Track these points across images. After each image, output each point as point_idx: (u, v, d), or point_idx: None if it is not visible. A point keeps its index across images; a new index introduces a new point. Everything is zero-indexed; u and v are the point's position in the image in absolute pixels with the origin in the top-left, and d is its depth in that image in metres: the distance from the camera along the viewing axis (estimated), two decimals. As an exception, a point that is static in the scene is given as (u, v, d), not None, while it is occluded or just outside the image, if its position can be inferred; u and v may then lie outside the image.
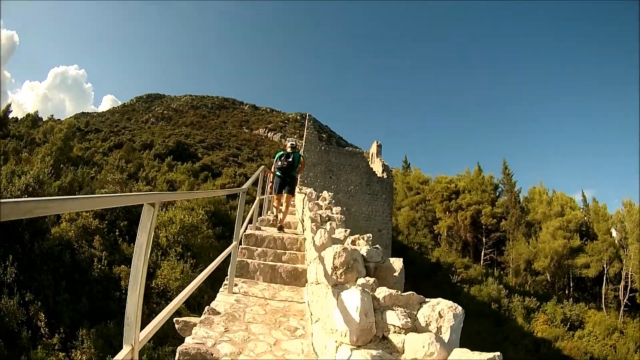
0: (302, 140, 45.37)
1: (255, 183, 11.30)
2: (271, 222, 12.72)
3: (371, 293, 3.52)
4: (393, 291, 3.51)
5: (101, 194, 28.31)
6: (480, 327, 36.32)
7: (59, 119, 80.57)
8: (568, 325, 42.17)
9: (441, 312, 3.25)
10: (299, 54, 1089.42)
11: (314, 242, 6.17)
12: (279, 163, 12.41)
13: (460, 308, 3.30)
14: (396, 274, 4.64)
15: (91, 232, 24.56)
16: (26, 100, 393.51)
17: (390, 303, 3.45)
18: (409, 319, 3.25)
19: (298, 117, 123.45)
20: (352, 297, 3.38)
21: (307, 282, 7.37)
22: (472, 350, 2.76)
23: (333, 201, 13.87)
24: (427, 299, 3.48)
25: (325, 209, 10.71)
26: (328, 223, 8.04)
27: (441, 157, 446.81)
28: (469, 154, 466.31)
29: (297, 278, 7.85)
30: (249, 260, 8.07)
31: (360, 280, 4.08)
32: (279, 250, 8.99)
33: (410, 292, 3.53)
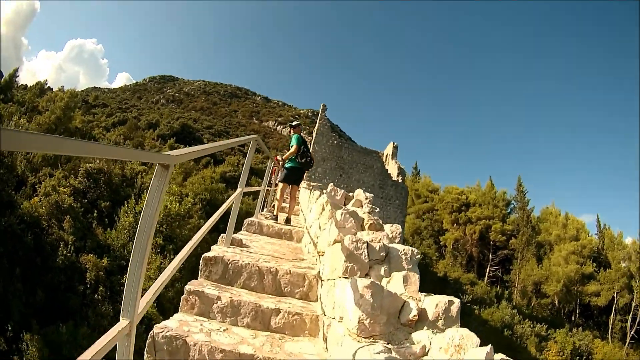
0: (312, 136, 42.38)
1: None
2: (270, 227, 9.46)
3: None
4: None
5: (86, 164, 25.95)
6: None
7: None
8: (579, 358, 39.80)
9: None
10: (317, 51, 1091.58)
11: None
12: (301, 150, 10.96)
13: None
14: None
15: (64, 210, 21.57)
16: (41, 69, 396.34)
17: None
18: None
19: (309, 114, 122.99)
20: None
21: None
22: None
23: (377, 209, 7.61)
24: None
25: (369, 225, 5.23)
26: (400, 276, 3.79)
27: (451, 167, 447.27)
28: (477, 168, 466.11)
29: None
30: (194, 336, 3.65)
31: None
32: (265, 304, 4.46)
33: None
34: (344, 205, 8.03)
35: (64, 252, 18.76)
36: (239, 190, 7.11)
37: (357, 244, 4.18)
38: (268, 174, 12.33)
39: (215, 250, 5.73)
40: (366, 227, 5.25)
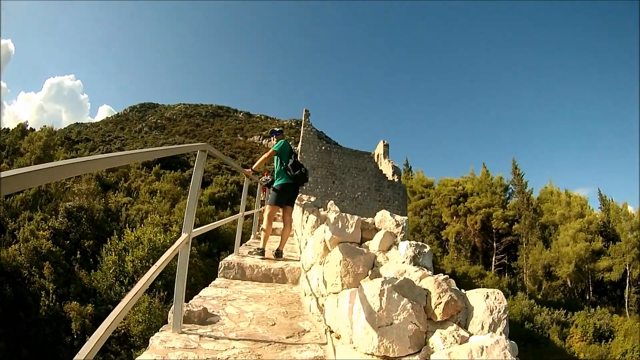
0: (298, 145, 40.83)
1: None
2: (255, 268, 7.22)
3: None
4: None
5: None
6: (519, 356, 31.39)
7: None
8: (602, 337, 38.70)
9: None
10: (293, 59, 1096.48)
11: None
12: (291, 161, 8.57)
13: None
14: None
15: (43, 256, 20.00)
16: (21, 111, 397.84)
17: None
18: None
19: (293, 124, 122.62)
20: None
21: None
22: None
23: (426, 248, 3.86)
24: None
25: (443, 308, 2.56)
26: None
27: (440, 159, 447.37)
28: (468, 156, 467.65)
29: None
30: None
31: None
32: None
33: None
34: (360, 242, 4.59)
35: (46, 302, 17.30)
36: (183, 236, 4.00)
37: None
38: (245, 194, 9.42)
39: (153, 351, 3.42)
40: (437, 312, 2.60)
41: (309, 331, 4.43)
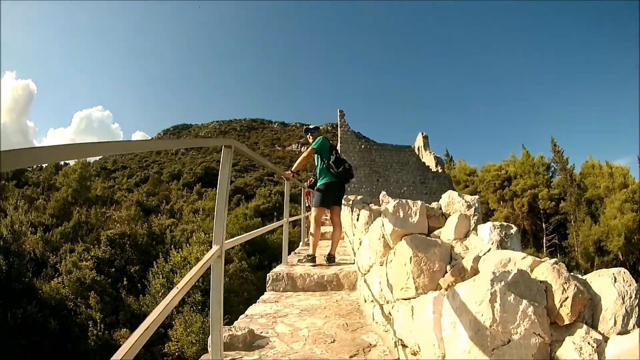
0: (337, 147, 39.90)
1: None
2: (306, 277, 6.54)
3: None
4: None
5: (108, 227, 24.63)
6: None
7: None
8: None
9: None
10: (326, 58, 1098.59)
11: None
12: (333, 157, 7.94)
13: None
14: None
15: (88, 286, 19.87)
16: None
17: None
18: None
19: (329, 128, 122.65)
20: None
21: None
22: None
23: (513, 228, 3.17)
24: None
25: (571, 303, 1.93)
26: None
27: (479, 146, 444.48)
28: (506, 140, 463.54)
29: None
30: None
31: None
32: None
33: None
34: (429, 231, 3.84)
35: (94, 331, 17.11)
36: (214, 249, 3.08)
37: None
38: (287, 198, 9.01)
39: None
40: (564, 313, 1.98)
41: (375, 345, 3.77)
